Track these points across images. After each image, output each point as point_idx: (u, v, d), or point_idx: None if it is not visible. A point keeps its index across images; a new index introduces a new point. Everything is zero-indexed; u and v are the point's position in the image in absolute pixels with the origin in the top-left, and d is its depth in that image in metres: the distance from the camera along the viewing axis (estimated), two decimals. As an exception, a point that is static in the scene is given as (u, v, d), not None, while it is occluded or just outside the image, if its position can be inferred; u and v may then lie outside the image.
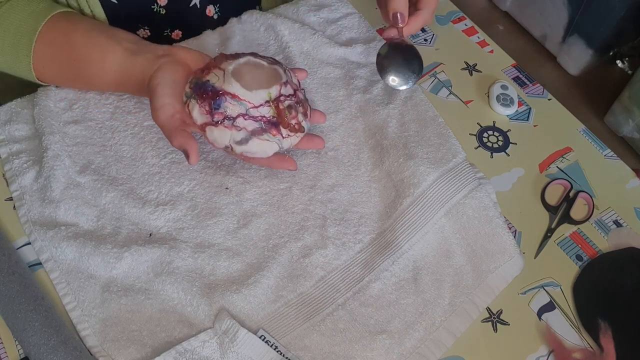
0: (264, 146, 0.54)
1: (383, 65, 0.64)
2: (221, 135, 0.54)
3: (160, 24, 0.72)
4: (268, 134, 0.54)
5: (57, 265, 0.55)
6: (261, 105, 0.53)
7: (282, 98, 0.54)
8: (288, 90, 0.55)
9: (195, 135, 0.58)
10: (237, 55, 0.56)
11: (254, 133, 0.54)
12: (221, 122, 0.53)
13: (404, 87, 0.64)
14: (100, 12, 0.66)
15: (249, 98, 0.53)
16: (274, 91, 0.54)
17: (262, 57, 0.57)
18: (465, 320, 0.56)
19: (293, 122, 0.55)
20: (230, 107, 0.53)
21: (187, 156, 0.53)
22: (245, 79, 0.54)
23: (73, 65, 0.60)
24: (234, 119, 0.53)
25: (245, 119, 0.53)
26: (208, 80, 0.54)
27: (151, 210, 0.59)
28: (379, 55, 0.64)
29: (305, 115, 0.57)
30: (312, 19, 0.77)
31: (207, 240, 0.58)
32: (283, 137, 0.55)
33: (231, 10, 0.75)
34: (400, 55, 0.64)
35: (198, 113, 0.54)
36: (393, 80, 0.63)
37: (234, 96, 0.53)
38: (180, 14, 0.72)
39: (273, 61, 0.57)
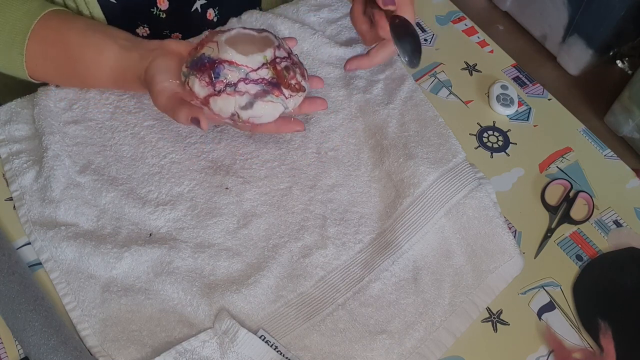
0: (268, 108, 0.54)
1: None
2: (225, 104, 0.54)
3: (159, 26, 0.73)
4: (271, 95, 0.54)
5: (57, 265, 0.55)
6: (259, 68, 0.54)
7: (278, 60, 0.55)
8: (282, 53, 0.56)
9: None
10: (226, 30, 0.57)
11: (257, 96, 0.54)
12: (223, 90, 0.53)
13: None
14: (98, 12, 0.66)
15: (246, 62, 0.53)
16: (269, 54, 0.54)
17: (251, 28, 0.58)
18: (465, 320, 0.56)
19: (293, 82, 0.55)
20: (230, 74, 0.53)
21: (198, 123, 0.53)
22: (239, 47, 0.54)
23: (68, 63, 0.61)
24: (235, 84, 0.53)
25: (247, 83, 0.53)
26: (203, 54, 0.54)
27: (151, 210, 0.59)
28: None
29: (303, 76, 0.57)
30: (312, 19, 0.77)
31: (207, 240, 0.58)
32: (286, 98, 0.55)
33: (231, 13, 0.75)
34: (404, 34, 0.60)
35: (199, 87, 0.54)
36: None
37: (231, 63, 0.53)
38: (181, 18, 0.72)
39: (262, 30, 0.58)
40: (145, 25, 0.71)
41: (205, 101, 0.54)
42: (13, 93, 0.65)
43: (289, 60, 0.56)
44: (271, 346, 0.52)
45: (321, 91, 0.70)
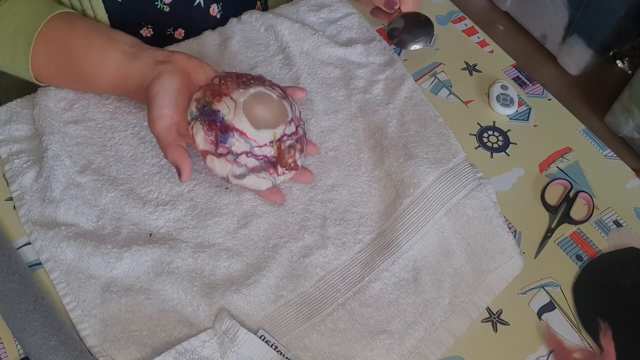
0: (259, 182, 0.55)
1: (394, 34, 0.71)
2: (221, 167, 0.54)
3: (163, 23, 0.72)
4: (266, 172, 0.55)
5: (57, 265, 0.55)
6: (265, 145, 0.54)
7: (284, 138, 0.55)
8: (291, 128, 0.56)
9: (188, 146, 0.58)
10: (248, 83, 0.56)
11: (253, 170, 0.54)
12: (224, 156, 0.53)
13: (416, 47, 0.71)
14: (102, 13, 0.65)
15: (256, 137, 0.53)
16: (279, 131, 0.54)
17: (272, 87, 0.57)
18: (465, 320, 0.56)
19: (290, 160, 0.56)
20: (237, 144, 0.53)
21: (179, 174, 0.53)
22: (255, 115, 0.54)
23: (71, 66, 0.60)
24: (238, 155, 0.53)
25: (248, 157, 0.54)
26: (219, 111, 0.53)
27: (151, 210, 0.59)
28: (391, 28, 0.71)
29: (301, 151, 0.58)
30: (312, 19, 0.77)
31: (207, 240, 0.58)
32: (278, 175, 0.56)
33: (234, 9, 0.74)
34: (411, 21, 0.71)
35: (202, 139, 0.54)
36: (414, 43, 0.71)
37: (242, 133, 0.53)
38: (184, 13, 0.72)
39: (282, 94, 0.57)
40: (149, 26, 0.71)
41: (203, 154, 0.54)
42: (13, 93, 0.65)
43: (294, 137, 0.56)
44: (271, 346, 0.52)
45: (321, 91, 0.70)
